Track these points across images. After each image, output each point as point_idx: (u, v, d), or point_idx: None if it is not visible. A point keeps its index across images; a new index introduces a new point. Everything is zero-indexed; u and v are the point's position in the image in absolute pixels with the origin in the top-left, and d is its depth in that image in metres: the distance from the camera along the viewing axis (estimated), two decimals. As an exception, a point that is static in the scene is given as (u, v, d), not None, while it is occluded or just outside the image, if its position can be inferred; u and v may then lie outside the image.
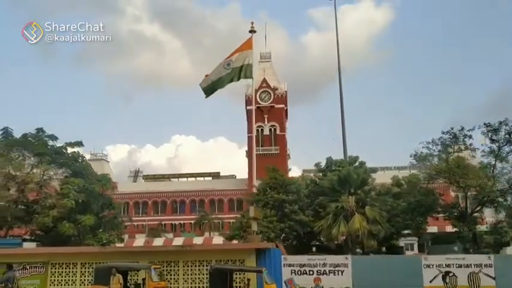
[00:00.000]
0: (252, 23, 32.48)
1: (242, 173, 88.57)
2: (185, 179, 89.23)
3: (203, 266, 17.97)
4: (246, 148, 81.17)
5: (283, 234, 27.88)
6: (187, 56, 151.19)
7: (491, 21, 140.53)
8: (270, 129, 79.37)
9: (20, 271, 18.84)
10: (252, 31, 32.98)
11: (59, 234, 23.59)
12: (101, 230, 24.07)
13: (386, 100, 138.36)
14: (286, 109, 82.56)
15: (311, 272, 17.26)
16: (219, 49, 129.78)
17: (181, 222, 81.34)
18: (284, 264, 17.33)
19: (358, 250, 23.32)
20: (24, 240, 21.13)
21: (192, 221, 79.70)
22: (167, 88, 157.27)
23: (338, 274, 17.09)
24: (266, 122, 78.74)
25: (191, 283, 17.81)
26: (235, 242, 28.29)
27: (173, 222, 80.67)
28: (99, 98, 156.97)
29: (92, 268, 18.34)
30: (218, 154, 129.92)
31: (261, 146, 74.59)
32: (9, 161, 22.85)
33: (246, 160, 76.04)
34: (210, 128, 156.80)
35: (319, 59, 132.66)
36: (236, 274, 16.95)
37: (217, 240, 46.28)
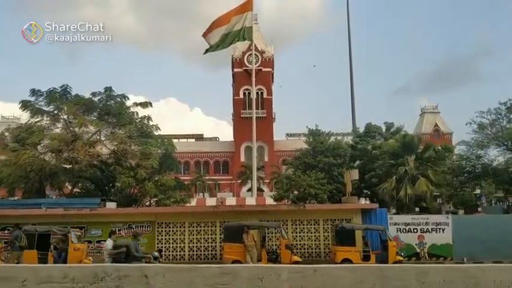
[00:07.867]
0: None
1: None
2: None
3: (311, 224, 19.08)
4: (232, 111, 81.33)
5: (330, 195, 29.16)
6: (134, 11, 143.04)
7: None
8: (257, 93, 79.55)
9: (126, 230, 19.18)
10: (254, -8, 32.91)
11: (127, 195, 23.62)
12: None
13: (337, 67, 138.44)
14: (273, 73, 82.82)
15: (415, 230, 18.91)
16: (168, 6, 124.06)
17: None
18: (390, 223, 18.77)
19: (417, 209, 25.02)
20: (103, 200, 21.01)
21: (178, 182, 79.59)
22: (114, 46, 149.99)
23: (439, 232, 18.87)
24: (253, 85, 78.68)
25: (300, 240, 18.88)
26: (285, 202, 29.27)
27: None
28: (40, 54, 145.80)
29: (200, 227, 18.91)
30: (170, 115, 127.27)
31: (247, 109, 74.96)
32: (87, 121, 22.14)
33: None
34: (160, 89, 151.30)
35: (269, 22, 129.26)
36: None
37: (231, 201, 46.78)
